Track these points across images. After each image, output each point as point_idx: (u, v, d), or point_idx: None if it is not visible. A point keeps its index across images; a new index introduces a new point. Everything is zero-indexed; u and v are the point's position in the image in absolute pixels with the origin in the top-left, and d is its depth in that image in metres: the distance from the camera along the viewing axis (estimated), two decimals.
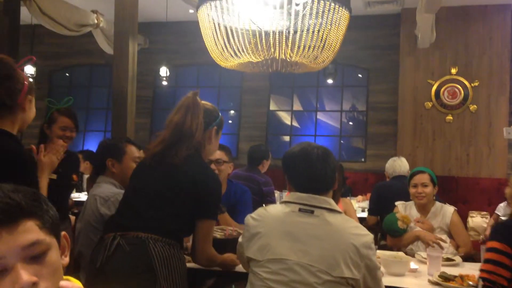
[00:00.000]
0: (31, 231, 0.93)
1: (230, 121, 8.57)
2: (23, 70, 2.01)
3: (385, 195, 4.38)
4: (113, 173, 2.69)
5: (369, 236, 1.87)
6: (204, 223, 2.14)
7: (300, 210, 1.90)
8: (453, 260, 2.91)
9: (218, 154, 3.02)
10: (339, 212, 1.93)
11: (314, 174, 1.94)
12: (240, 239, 2.03)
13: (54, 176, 3.16)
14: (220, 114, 2.35)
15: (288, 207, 1.94)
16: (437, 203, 3.44)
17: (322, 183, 1.95)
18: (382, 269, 2.46)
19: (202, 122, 2.18)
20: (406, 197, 3.63)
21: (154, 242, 1.99)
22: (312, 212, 1.88)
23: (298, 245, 1.83)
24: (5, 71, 1.88)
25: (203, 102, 2.25)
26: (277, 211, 1.97)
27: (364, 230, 1.90)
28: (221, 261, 2.30)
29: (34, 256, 0.93)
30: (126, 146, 2.73)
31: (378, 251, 2.96)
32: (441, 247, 3.04)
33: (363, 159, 7.83)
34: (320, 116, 8.25)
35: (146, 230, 2.01)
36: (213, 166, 2.91)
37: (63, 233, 1.05)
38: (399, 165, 4.60)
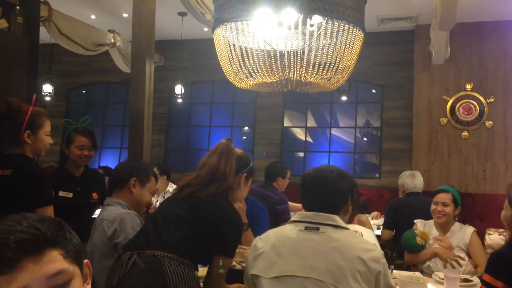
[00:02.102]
0: (55, 261, 0.95)
1: (244, 138, 8.61)
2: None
3: (401, 211, 4.34)
4: (130, 193, 2.66)
5: (377, 251, 1.89)
6: (219, 259, 2.16)
7: (306, 228, 1.94)
8: (470, 281, 2.88)
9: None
10: (346, 229, 1.96)
11: (321, 195, 2.00)
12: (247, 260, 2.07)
13: (70, 195, 3.16)
14: (251, 162, 2.45)
15: (296, 226, 1.99)
16: (457, 223, 3.44)
17: (328, 204, 1.99)
18: None
19: (234, 167, 2.28)
20: (422, 215, 3.61)
21: (170, 261, 2.01)
22: (317, 229, 1.92)
23: (305, 261, 1.86)
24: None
25: (235, 149, 2.37)
26: (285, 230, 2.02)
27: (372, 246, 1.92)
28: None
29: (58, 285, 0.95)
30: (151, 175, 2.76)
31: (395, 271, 2.94)
32: (460, 265, 3.02)
33: (377, 175, 7.79)
34: (334, 131, 8.24)
35: (163, 249, 2.04)
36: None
37: (85, 261, 1.07)
38: (414, 181, 4.55)
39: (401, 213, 4.31)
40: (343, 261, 1.82)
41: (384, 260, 1.86)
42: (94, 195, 3.30)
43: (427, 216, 3.53)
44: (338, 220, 1.95)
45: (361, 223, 3.60)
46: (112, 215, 2.53)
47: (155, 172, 2.87)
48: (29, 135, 2.51)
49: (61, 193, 3.14)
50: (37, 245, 0.94)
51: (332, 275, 1.80)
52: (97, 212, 2.87)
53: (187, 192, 2.22)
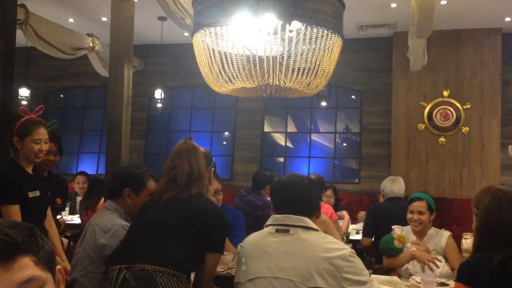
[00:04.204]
0: (26, 268, 0.93)
1: (224, 143, 8.59)
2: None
3: (381, 216, 4.36)
4: (126, 203, 2.59)
5: (346, 250, 1.91)
6: (211, 257, 2.14)
7: (276, 230, 2.01)
8: (447, 285, 2.92)
9: (216, 184, 3.04)
10: (316, 230, 2.00)
11: (290, 196, 2.07)
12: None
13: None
14: (213, 156, 2.48)
15: (268, 229, 2.05)
16: (433, 228, 3.48)
17: (298, 205, 2.04)
18: None
19: (204, 165, 2.28)
20: (401, 220, 3.64)
21: (162, 275, 1.95)
22: (287, 231, 1.98)
23: (273, 262, 1.91)
24: None
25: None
26: (258, 235, 2.09)
27: (341, 245, 1.96)
28: None
29: None
30: (148, 179, 2.65)
31: (373, 275, 2.96)
32: (437, 266, 3.07)
33: (357, 180, 7.85)
34: (314, 137, 8.28)
35: (153, 263, 1.98)
36: (213, 198, 2.88)
37: (58, 267, 1.05)
38: (393, 186, 4.56)
39: (380, 218, 4.32)
40: (310, 260, 1.86)
41: (353, 258, 1.88)
42: (58, 200, 3.26)
43: (406, 222, 3.55)
44: (308, 222, 1.99)
45: (322, 223, 3.61)
46: (107, 224, 2.48)
47: (152, 174, 2.75)
48: (18, 141, 2.80)
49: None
50: (7, 252, 0.92)
51: (299, 273, 1.84)
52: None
53: (168, 195, 2.18)
